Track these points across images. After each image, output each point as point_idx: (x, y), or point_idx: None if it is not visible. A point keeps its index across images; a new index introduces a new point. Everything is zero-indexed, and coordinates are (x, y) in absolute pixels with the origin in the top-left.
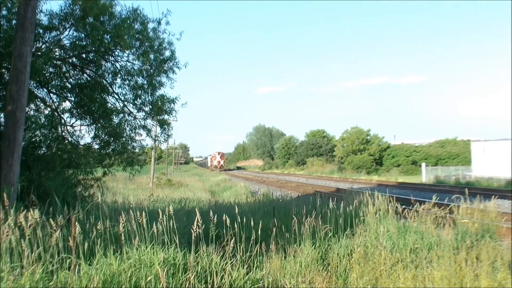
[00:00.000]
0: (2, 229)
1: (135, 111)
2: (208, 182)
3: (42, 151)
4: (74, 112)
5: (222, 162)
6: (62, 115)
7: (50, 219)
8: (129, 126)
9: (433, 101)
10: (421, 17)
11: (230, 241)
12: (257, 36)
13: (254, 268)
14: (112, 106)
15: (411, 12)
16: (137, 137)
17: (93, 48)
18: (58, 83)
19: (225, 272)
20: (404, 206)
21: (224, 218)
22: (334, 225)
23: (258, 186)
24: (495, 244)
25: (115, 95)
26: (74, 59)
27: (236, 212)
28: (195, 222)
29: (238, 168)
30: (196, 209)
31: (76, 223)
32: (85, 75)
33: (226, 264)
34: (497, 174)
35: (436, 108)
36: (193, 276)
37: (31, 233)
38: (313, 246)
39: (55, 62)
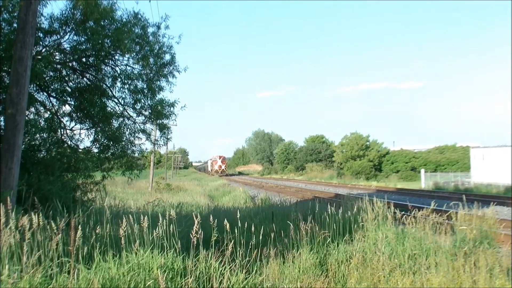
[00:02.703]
0: (3, 232)
1: (134, 115)
2: (207, 187)
3: (41, 155)
4: (74, 115)
5: (223, 167)
6: (62, 119)
7: (51, 222)
8: (128, 130)
9: (432, 107)
10: (420, 22)
11: (229, 245)
12: (257, 40)
13: (253, 273)
14: (112, 110)
15: (410, 17)
16: (137, 141)
17: (93, 52)
18: (58, 87)
19: (223, 277)
20: (402, 212)
21: (225, 223)
22: (332, 230)
23: (257, 191)
24: (493, 251)
25: (115, 99)
26: (74, 63)
27: (238, 217)
28: (194, 227)
29: (240, 173)
30: (196, 214)
31: (79, 226)
32: (85, 79)
33: (224, 268)
34: (496, 180)
35: (435, 114)
36: (191, 281)
37: (31, 237)
38: (312, 252)
39: (55, 66)
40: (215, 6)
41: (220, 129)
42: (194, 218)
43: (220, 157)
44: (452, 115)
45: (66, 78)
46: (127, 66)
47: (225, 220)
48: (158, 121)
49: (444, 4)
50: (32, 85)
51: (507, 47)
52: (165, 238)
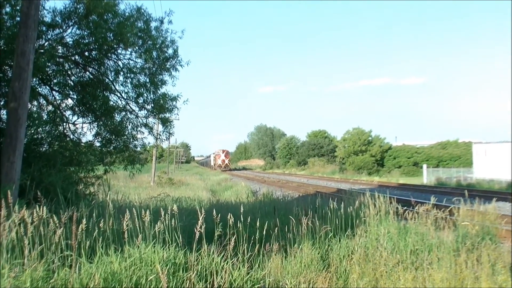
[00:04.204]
0: (4, 226)
1: (137, 109)
2: (209, 181)
3: (43, 149)
4: (76, 109)
5: (226, 161)
6: (64, 113)
7: (54, 216)
8: (131, 124)
9: (434, 103)
10: (423, 18)
11: (232, 240)
12: (259, 35)
13: (256, 267)
14: (114, 104)
15: (413, 13)
16: (139, 135)
17: (96, 46)
18: (61, 81)
19: (225, 272)
20: (405, 208)
21: (228, 217)
22: (334, 225)
23: (259, 185)
24: (496, 247)
25: (117, 93)
26: (77, 57)
27: (241, 211)
28: (199, 222)
29: (244, 168)
30: (200, 208)
31: (83, 220)
32: (87, 72)
33: (227, 263)
34: (499, 176)
35: (437, 109)
36: (193, 275)
37: (33, 230)
38: (314, 247)
39: (57, 59)
40: (218, 1)
41: (222, 124)
42: (199, 213)
43: (223, 151)
44: (454, 110)
45: (69, 72)
46: (130, 60)
47: (229, 214)
48: (160, 115)
49: (445, 1)
50: (34, 79)
51: (507, 42)
52: (167, 233)
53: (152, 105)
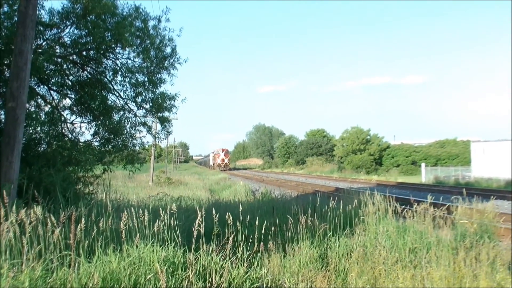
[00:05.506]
0: (3, 226)
1: (135, 108)
2: (207, 181)
3: (42, 148)
4: (74, 109)
5: (226, 160)
6: (62, 112)
7: (52, 216)
8: (129, 123)
9: (433, 102)
10: (422, 18)
11: (230, 239)
12: (258, 34)
13: (255, 266)
14: (113, 104)
15: (412, 12)
16: (138, 134)
17: (94, 46)
18: (59, 80)
19: (224, 271)
20: (403, 206)
21: (227, 216)
22: (333, 224)
23: (257, 185)
24: (494, 245)
25: (116, 93)
26: (75, 57)
27: (240, 211)
28: (197, 221)
29: (245, 168)
30: (199, 207)
31: (82, 219)
32: (85, 72)
33: (225, 262)
34: (497, 174)
35: (436, 108)
36: (192, 274)
37: (32, 230)
38: (312, 245)
39: (55, 59)
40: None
41: (221, 123)
42: (198, 211)
43: (223, 150)
44: (453, 109)
45: (67, 72)
46: (128, 59)
47: (228, 214)
48: (159, 114)
49: (445, 0)
50: (32, 79)
51: (507, 42)
52: (165, 232)
53: (151, 104)
